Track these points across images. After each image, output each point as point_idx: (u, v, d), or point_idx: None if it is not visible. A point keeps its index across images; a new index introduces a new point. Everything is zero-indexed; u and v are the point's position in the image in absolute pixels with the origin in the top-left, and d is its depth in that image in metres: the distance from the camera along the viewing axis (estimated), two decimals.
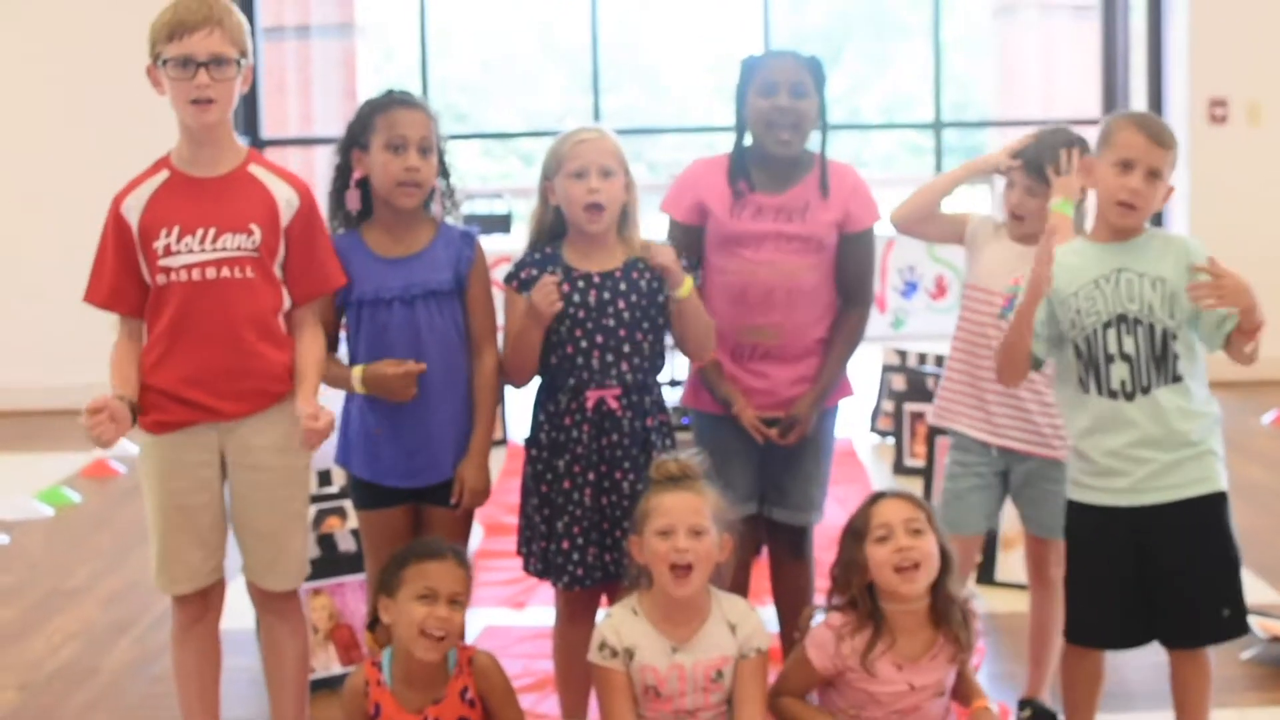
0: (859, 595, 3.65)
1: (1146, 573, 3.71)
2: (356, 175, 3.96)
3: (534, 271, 3.97)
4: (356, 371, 3.87)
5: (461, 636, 3.62)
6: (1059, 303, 3.72)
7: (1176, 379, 3.65)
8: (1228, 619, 3.72)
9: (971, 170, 4.36)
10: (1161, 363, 3.65)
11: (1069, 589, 3.87)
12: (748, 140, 4.26)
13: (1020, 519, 4.34)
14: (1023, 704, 4.32)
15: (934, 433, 5.78)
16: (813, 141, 4.24)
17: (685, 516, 3.60)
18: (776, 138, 4.14)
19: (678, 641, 3.64)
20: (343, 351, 4.00)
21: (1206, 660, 3.77)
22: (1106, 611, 3.79)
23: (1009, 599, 5.28)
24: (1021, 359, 3.74)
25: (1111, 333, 3.68)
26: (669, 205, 4.28)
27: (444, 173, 4.01)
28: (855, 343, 4.31)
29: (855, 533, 3.67)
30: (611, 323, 3.93)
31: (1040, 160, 4.16)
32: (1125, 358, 3.67)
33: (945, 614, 3.65)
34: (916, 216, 4.37)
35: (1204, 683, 3.78)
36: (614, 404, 3.92)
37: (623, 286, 3.95)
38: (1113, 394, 3.68)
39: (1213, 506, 3.70)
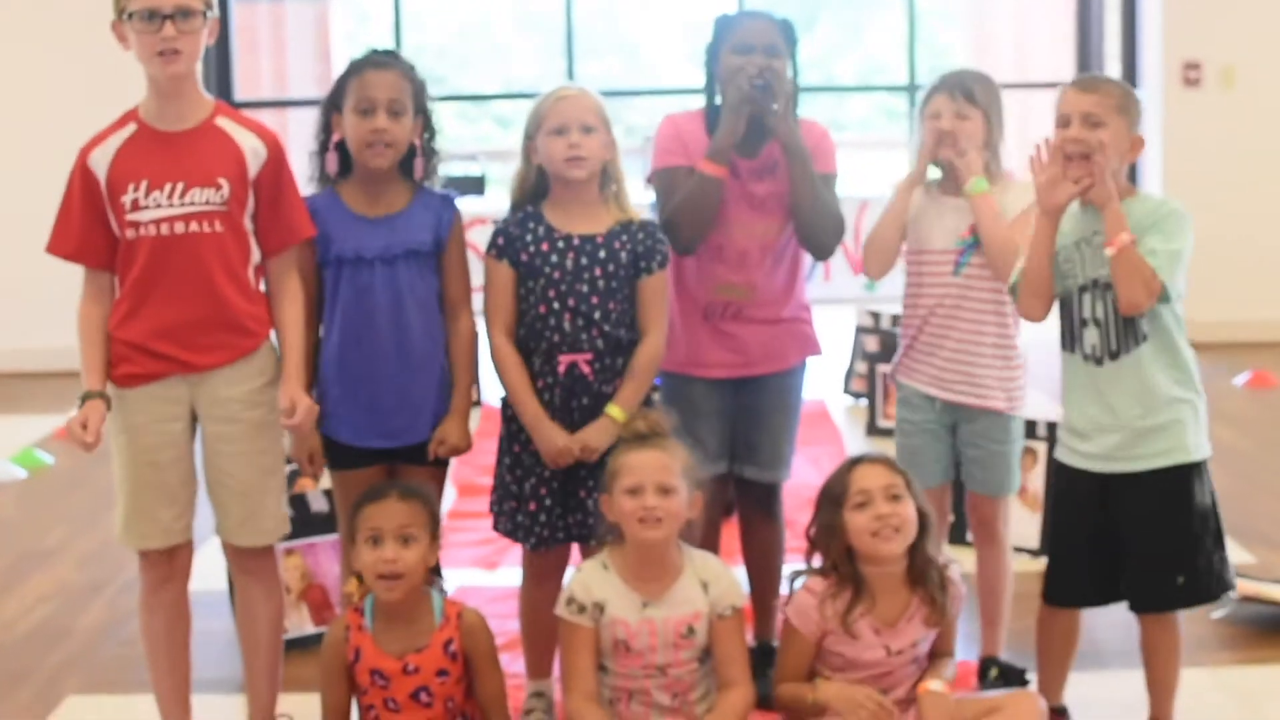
0: (838, 559, 3.67)
1: (1113, 535, 3.76)
2: (335, 138, 3.95)
3: (515, 231, 3.96)
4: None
5: (419, 571, 3.61)
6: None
7: (1144, 338, 3.67)
8: (1182, 586, 3.74)
9: (910, 187, 4.27)
10: (1130, 325, 3.67)
11: (1050, 548, 3.93)
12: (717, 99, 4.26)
13: (963, 476, 4.36)
14: (985, 663, 4.34)
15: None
16: None
17: (654, 474, 3.60)
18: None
19: (649, 597, 3.65)
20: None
21: (1174, 624, 3.81)
22: (1076, 572, 3.84)
23: None
24: (1044, 287, 3.72)
25: (1086, 297, 3.71)
26: (662, 159, 4.23)
27: (430, 134, 4.00)
28: (835, 209, 4.23)
29: (833, 498, 3.68)
30: (585, 289, 3.92)
31: (962, 80, 4.21)
32: (1096, 323, 3.70)
33: (922, 576, 3.67)
34: (888, 260, 4.32)
35: (1171, 646, 3.81)
36: (585, 369, 3.92)
37: (602, 254, 3.94)
38: (1085, 357, 3.71)
39: (1178, 478, 3.71)
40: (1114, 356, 3.69)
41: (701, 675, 3.70)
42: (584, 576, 3.69)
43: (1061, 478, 3.86)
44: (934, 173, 4.32)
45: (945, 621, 3.72)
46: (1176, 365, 3.71)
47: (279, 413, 3.71)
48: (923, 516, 3.67)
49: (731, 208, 4.15)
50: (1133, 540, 3.74)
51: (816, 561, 3.74)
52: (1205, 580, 3.76)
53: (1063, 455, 3.84)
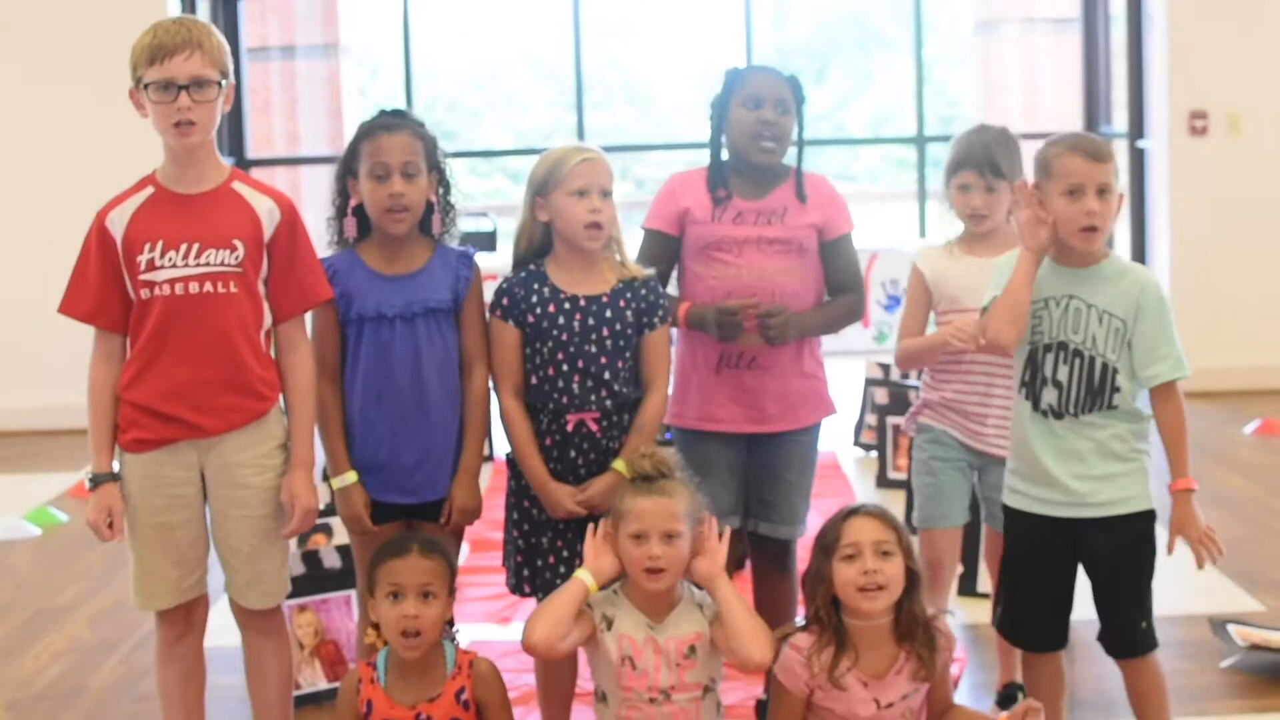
0: (823, 608, 3.67)
1: (1073, 582, 3.81)
2: (353, 202, 3.98)
3: (520, 292, 3.99)
4: (350, 477, 3.97)
5: (439, 627, 3.64)
6: None
7: (1111, 407, 3.71)
8: (1144, 631, 3.79)
9: (947, 347, 4.31)
10: (1098, 395, 3.71)
11: (1002, 585, 3.95)
12: (724, 153, 4.34)
13: (986, 518, 4.49)
14: (1010, 688, 4.44)
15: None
16: (789, 157, 4.31)
17: (659, 522, 3.61)
18: (760, 147, 4.21)
19: (654, 620, 3.66)
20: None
21: (1155, 666, 3.83)
22: (1033, 615, 3.87)
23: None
24: (1021, 315, 3.72)
25: (1050, 357, 3.74)
26: (651, 219, 4.32)
27: (445, 189, 4.03)
28: (848, 312, 4.36)
29: (825, 546, 3.68)
30: (594, 349, 3.95)
31: (990, 155, 4.32)
32: (1057, 384, 3.73)
33: (908, 632, 3.66)
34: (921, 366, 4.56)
35: (1156, 689, 3.83)
36: (594, 426, 3.95)
37: (608, 314, 3.97)
38: (1041, 412, 3.74)
39: (1145, 523, 3.75)
40: (1074, 416, 3.71)
41: (706, 709, 3.69)
42: (596, 596, 3.70)
43: (1020, 524, 3.85)
44: (955, 228, 4.46)
45: (934, 676, 3.71)
46: (1135, 420, 3.75)
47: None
48: (911, 574, 3.65)
49: (741, 251, 4.21)
50: (1104, 586, 3.79)
51: (804, 614, 3.76)
52: (1153, 627, 3.82)
53: (1019, 503, 3.84)
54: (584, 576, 3.65)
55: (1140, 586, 3.79)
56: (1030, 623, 3.88)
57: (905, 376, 7.45)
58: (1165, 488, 3.76)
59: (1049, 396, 3.73)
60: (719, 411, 4.29)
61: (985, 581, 5.48)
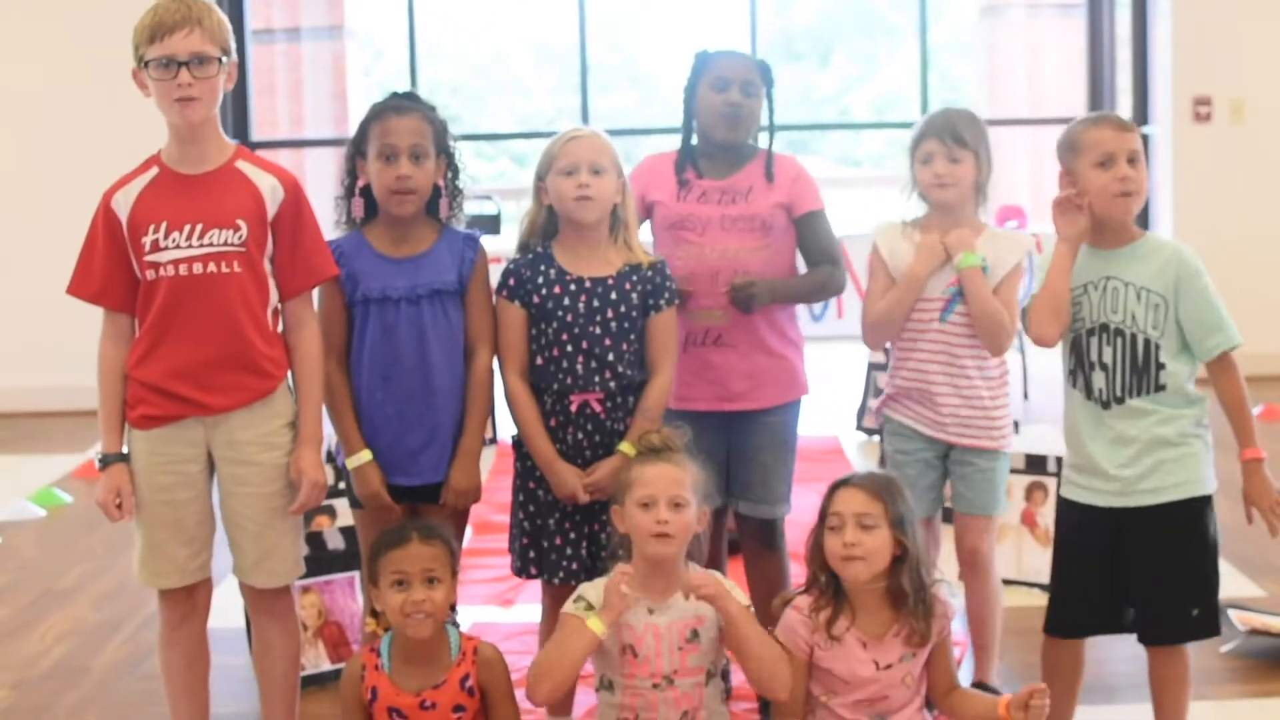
0: (820, 572, 3.71)
1: (1122, 569, 3.78)
2: (361, 183, 4.00)
3: (526, 272, 4.01)
4: (364, 455, 3.97)
5: (446, 609, 3.65)
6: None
7: (1159, 388, 3.71)
8: (1196, 618, 3.77)
9: (917, 281, 4.24)
10: (1143, 373, 3.71)
11: (1052, 582, 3.94)
12: (694, 138, 4.41)
13: (951, 501, 4.43)
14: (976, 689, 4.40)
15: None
16: (762, 142, 4.38)
17: (666, 488, 3.64)
18: (724, 128, 4.28)
19: (654, 603, 3.67)
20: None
21: (1185, 656, 3.82)
22: (1083, 603, 3.86)
23: None
24: (1062, 308, 3.73)
25: (1094, 340, 3.75)
26: None
27: (453, 173, 4.06)
28: (823, 283, 4.35)
29: (821, 514, 3.72)
30: (598, 330, 3.97)
31: (951, 124, 4.24)
32: (1103, 367, 3.73)
33: (902, 601, 3.67)
34: (890, 334, 4.40)
35: (1181, 679, 3.83)
36: (597, 407, 3.97)
37: (614, 296, 3.99)
38: (1092, 398, 3.75)
39: (1192, 510, 3.75)
40: (1120, 401, 3.73)
41: (710, 695, 3.71)
42: (596, 585, 3.71)
43: (1071, 514, 3.87)
44: (916, 210, 4.38)
45: (933, 644, 3.71)
46: (1188, 404, 3.75)
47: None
48: (903, 546, 3.65)
49: (706, 230, 4.26)
50: (1148, 573, 3.77)
51: (807, 581, 3.77)
52: (1215, 613, 3.80)
53: (1071, 493, 3.86)
54: (596, 627, 3.60)
55: (1186, 574, 3.76)
56: (1068, 607, 3.89)
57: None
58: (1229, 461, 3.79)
59: (1098, 381, 3.74)
60: (687, 390, 4.30)
61: None
